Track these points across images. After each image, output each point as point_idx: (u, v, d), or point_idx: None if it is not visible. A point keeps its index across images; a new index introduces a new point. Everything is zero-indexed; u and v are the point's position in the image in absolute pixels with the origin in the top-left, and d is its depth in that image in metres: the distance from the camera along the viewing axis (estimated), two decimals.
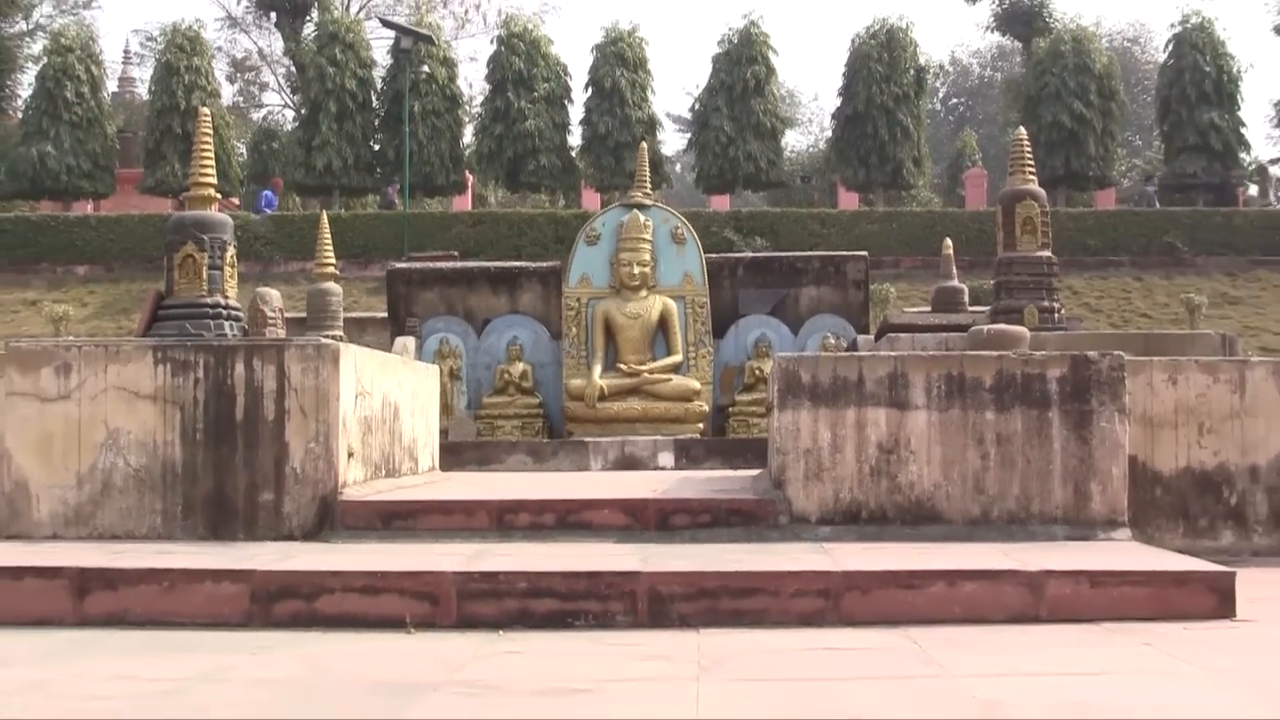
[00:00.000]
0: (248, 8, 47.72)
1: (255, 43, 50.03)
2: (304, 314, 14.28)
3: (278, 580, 4.93)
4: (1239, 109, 37.41)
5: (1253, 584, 5.19)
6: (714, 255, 14.51)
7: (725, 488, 6.55)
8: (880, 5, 62.02)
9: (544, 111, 35.71)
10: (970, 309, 14.81)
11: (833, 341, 13.41)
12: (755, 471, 7.62)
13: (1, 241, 32.89)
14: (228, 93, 45.24)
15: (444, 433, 10.01)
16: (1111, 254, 32.74)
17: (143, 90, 45.42)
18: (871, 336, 13.47)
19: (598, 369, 13.27)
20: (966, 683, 3.79)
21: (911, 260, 31.20)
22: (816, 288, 13.94)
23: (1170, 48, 39.03)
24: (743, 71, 36.61)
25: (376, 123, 37.26)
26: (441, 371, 10.57)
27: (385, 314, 14.48)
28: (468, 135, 38.09)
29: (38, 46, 43.04)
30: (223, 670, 4.17)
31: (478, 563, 5.08)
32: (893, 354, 6.35)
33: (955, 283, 15.92)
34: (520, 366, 13.57)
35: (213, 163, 10.76)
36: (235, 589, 4.93)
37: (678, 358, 13.36)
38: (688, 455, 11.51)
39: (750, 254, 18.66)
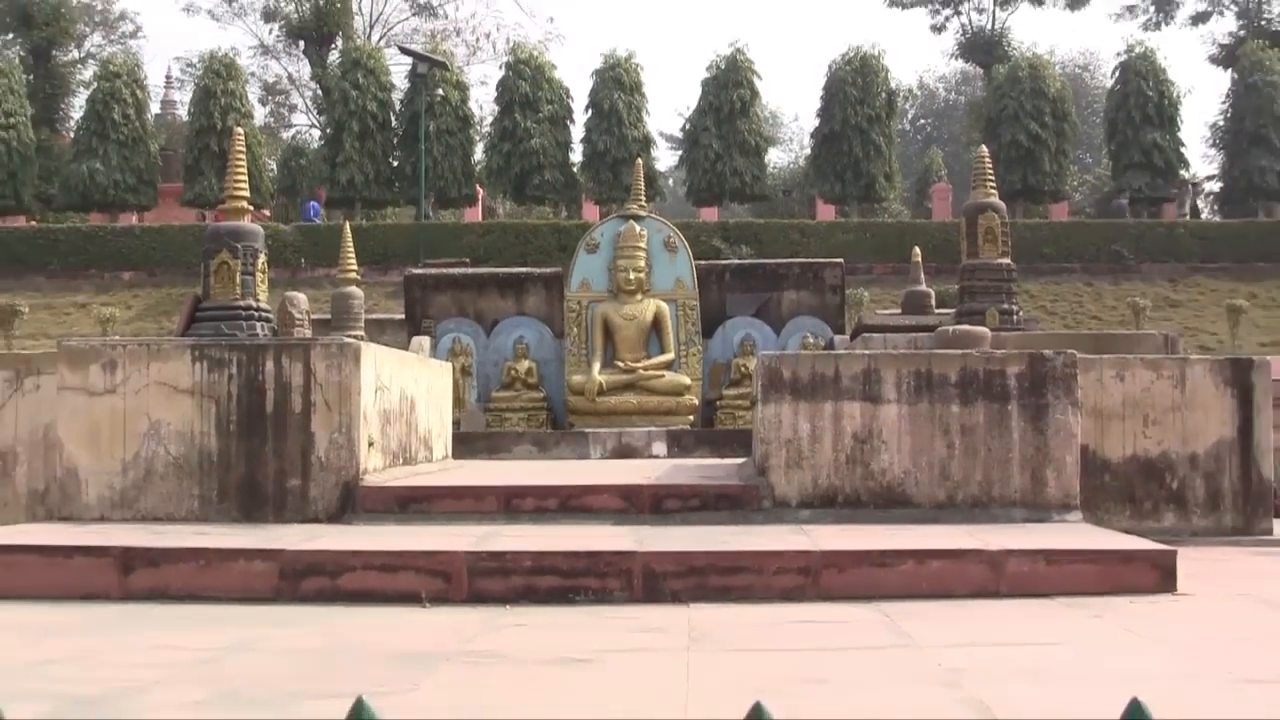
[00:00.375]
0: (278, 37, 47.55)
1: (285, 68, 49.95)
2: (329, 315, 14.24)
3: (304, 559, 4.91)
4: (1179, 130, 37.45)
5: (1192, 561, 5.20)
6: (703, 262, 14.48)
7: (713, 475, 6.54)
8: (854, 34, 61.77)
9: (548, 131, 35.73)
10: (938, 311, 14.78)
11: (811, 340, 13.38)
12: (741, 460, 7.61)
13: (55, 250, 32.88)
14: (259, 114, 45.14)
15: (456, 424, 9.99)
16: (1065, 261, 32.85)
17: (183, 112, 45.38)
18: (847, 336, 13.43)
19: (597, 365, 13.25)
20: (932, 653, 3.78)
21: (883, 267, 31.26)
22: (797, 292, 13.92)
23: (1117, 74, 39.20)
24: (729, 94, 36.65)
25: (395, 141, 37.24)
26: (454, 368, 10.53)
27: (403, 316, 14.43)
28: (478, 152, 38.02)
29: (88, 73, 43.02)
30: (254, 641, 4.16)
31: (487, 543, 5.06)
32: (866, 352, 6.34)
33: (923, 287, 15.90)
34: (526, 364, 13.54)
35: (246, 178, 10.74)
36: (265, 567, 4.92)
37: (670, 355, 13.35)
38: (679, 445, 11.49)
39: (736, 261, 18.58)
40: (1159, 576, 4.85)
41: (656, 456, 11.22)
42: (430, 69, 33.47)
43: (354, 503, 5.93)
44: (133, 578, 4.92)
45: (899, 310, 16.03)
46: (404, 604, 4.78)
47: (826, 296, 14.02)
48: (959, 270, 12.84)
